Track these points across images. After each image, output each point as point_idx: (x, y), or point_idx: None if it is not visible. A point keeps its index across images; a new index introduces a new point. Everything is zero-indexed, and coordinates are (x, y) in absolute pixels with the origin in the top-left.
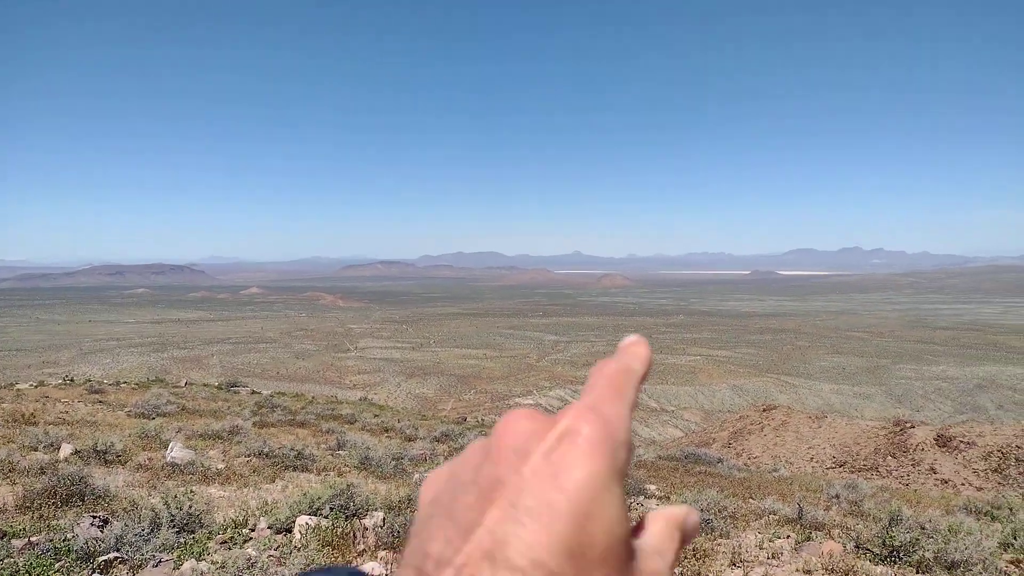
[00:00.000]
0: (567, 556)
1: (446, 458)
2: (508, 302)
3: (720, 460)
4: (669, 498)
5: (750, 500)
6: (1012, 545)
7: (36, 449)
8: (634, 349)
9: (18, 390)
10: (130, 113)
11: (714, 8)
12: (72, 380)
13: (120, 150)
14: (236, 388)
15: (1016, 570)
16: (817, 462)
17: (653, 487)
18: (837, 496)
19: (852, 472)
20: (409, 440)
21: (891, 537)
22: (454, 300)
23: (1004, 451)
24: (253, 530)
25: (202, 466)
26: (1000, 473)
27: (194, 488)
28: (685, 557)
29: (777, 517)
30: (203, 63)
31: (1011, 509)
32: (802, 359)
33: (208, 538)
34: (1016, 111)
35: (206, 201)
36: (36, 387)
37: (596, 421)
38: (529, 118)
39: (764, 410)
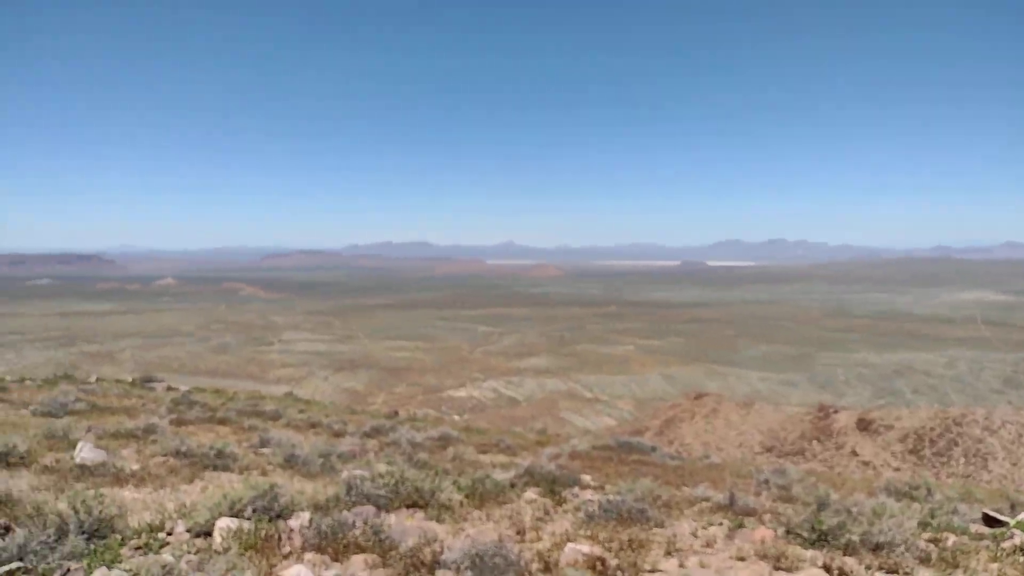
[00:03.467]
0: None
1: (376, 453)
2: (439, 293)
3: (654, 448)
4: (604, 488)
5: (683, 488)
6: (930, 524)
7: None
8: None
9: None
10: (29, 92)
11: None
12: None
13: (18, 132)
14: (151, 384)
15: (935, 548)
16: (746, 448)
17: (588, 477)
18: (767, 481)
19: (779, 457)
20: (337, 436)
21: (819, 522)
22: (382, 291)
23: (919, 433)
24: (170, 534)
25: (115, 467)
26: (916, 454)
27: (105, 491)
28: (621, 548)
29: (710, 504)
30: (112, 42)
31: (928, 489)
32: (730, 347)
33: (121, 544)
34: (928, 110)
35: (117, 188)
36: None
37: None
38: (462, 109)
39: (695, 398)
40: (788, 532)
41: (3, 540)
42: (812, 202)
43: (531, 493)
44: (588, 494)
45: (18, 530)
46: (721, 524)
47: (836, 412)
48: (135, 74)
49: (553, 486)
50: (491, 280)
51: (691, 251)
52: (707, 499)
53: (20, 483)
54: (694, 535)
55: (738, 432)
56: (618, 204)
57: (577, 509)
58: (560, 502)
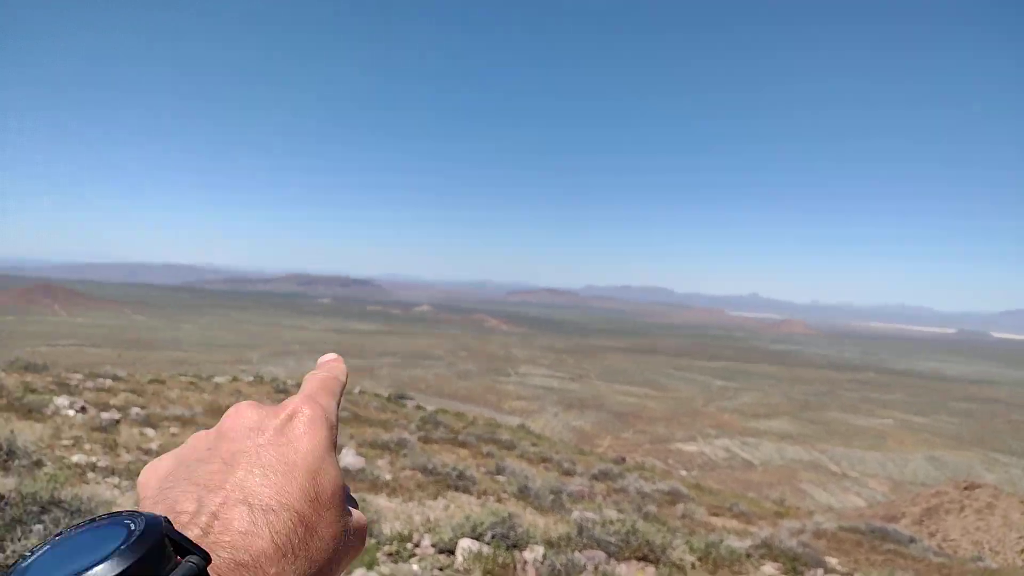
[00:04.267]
0: (307, 500)
1: (604, 498)
2: (675, 340)
3: (912, 539)
4: (853, 575)
5: None
6: None
7: None
8: (335, 364)
9: (216, 383)
10: (322, 139)
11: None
12: (261, 378)
13: (315, 175)
14: (403, 400)
15: None
16: None
17: (834, 561)
18: None
19: None
20: (567, 474)
21: None
22: (617, 334)
23: None
24: (417, 546)
25: (372, 475)
26: None
27: (365, 496)
28: None
29: None
30: (382, 93)
31: None
32: (1016, 435)
33: (377, 548)
34: None
35: (388, 222)
36: (231, 382)
37: (315, 406)
38: (706, 153)
39: (965, 488)
40: None
41: None
42: None
43: (769, 567)
44: None
45: None
46: None
47: None
48: (391, 135)
49: (795, 563)
50: (731, 331)
51: (971, 318)
52: None
53: None
54: None
55: (1020, 535)
56: (882, 259)
57: None
58: None
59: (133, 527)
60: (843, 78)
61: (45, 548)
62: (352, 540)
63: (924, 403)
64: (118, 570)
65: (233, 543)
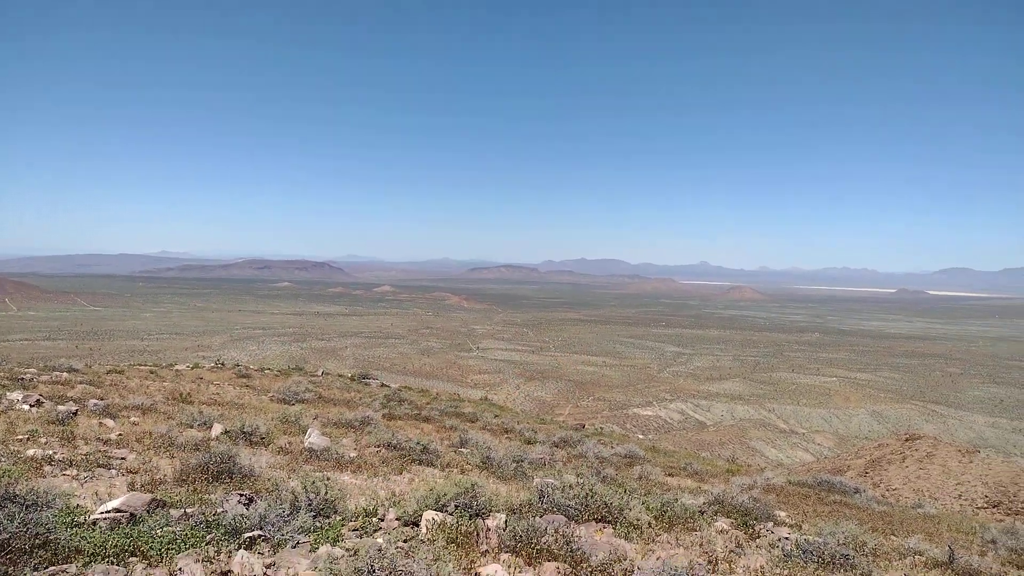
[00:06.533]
0: None
1: (564, 464)
2: (629, 311)
3: (857, 490)
4: (801, 527)
5: (892, 537)
6: None
7: (191, 427)
8: None
9: (177, 371)
10: (272, 117)
11: None
12: (223, 364)
13: (267, 152)
14: (367, 380)
15: None
16: (966, 500)
17: (783, 514)
18: (993, 541)
19: (1009, 515)
20: (528, 443)
21: None
22: (575, 306)
23: None
24: (382, 520)
25: (336, 453)
26: None
27: (329, 474)
28: None
29: (924, 559)
30: (326, 67)
31: None
32: (953, 387)
33: (341, 524)
34: None
35: (346, 203)
36: (192, 369)
37: None
38: (651, 121)
39: (907, 439)
40: None
41: (247, 510)
42: None
43: (722, 523)
44: (784, 531)
45: (259, 502)
46: None
47: None
48: (348, 112)
49: (746, 518)
50: (683, 300)
51: (910, 278)
52: (920, 553)
53: (260, 461)
54: None
55: (957, 482)
56: (826, 226)
57: (772, 546)
58: (753, 536)
59: None
60: (794, 49)
61: None
62: None
63: (867, 360)
64: None
65: None
